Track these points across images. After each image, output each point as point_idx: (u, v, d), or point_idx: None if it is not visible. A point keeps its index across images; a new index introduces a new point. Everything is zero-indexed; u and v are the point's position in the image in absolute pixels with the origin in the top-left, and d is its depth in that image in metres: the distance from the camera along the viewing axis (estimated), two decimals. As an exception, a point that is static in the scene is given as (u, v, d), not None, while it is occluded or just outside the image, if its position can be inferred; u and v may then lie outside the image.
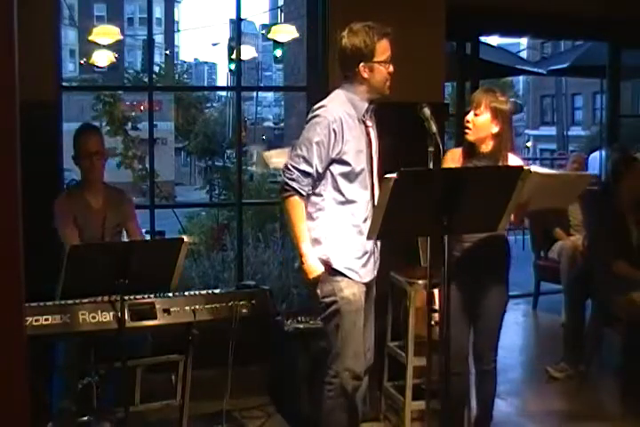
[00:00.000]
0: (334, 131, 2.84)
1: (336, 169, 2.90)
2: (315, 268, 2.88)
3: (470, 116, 3.08)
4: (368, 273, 3.01)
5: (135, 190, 7.52)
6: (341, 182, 2.91)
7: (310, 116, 2.93)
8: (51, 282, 2.99)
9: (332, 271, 2.92)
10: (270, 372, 4.15)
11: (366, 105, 2.95)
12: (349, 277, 2.93)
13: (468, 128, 3.08)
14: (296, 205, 2.88)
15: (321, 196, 2.92)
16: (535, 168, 2.78)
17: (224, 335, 3.22)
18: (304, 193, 2.88)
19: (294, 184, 2.85)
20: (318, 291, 2.94)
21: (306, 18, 4.61)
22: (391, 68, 2.93)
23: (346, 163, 2.89)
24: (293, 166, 2.86)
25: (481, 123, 3.05)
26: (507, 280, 3.24)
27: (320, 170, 2.87)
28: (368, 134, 2.98)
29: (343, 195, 2.92)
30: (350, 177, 2.91)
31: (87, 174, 3.61)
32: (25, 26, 1.72)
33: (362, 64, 2.88)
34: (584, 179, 3.32)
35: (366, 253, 2.98)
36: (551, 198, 3.10)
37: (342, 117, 2.87)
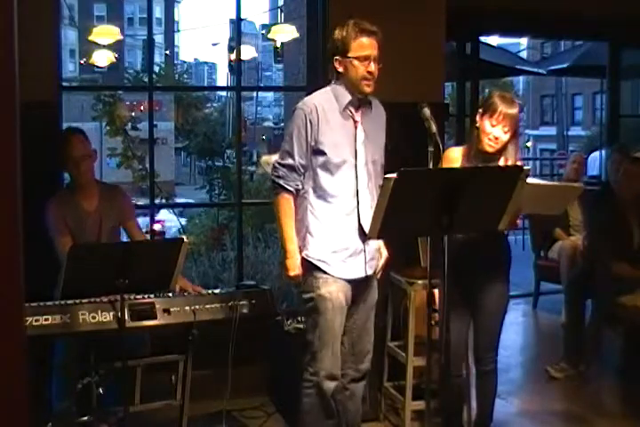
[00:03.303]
0: (310, 121, 2.89)
1: (316, 160, 2.93)
2: (296, 266, 2.92)
3: (499, 133, 3.02)
4: (352, 270, 2.97)
5: (135, 190, 7.51)
6: (322, 175, 2.93)
7: (292, 110, 3.00)
8: (51, 282, 2.99)
9: (310, 266, 2.93)
10: (270, 372, 4.15)
11: (349, 97, 2.95)
12: (327, 273, 2.93)
13: (495, 143, 3.04)
14: (283, 202, 2.94)
15: (303, 188, 2.96)
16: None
17: (224, 335, 3.22)
18: (291, 189, 2.93)
19: (280, 181, 2.93)
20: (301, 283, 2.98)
21: (306, 18, 4.61)
22: (372, 68, 2.90)
23: (322, 153, 2.91)
24: (279, 163, 2.94)
25: (507, 138, 3.05)
26: (508, 280, 3.24)
27: (303, 162, 2.92)
28: (355, 128, 2.97)
29: (323, 188, 2.93)
30: (330, 169, 2.92)
31: (76, 179, 3.52)
32: (25, 26, 1.72)
33: (336, 57, 2.93)
34: (575, 190, 3.34)
35: (347, 248, 2.95)
36: (542, 205, 3.12)
37: (318, 108, 2.91)
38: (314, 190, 2.94)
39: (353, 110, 2.98)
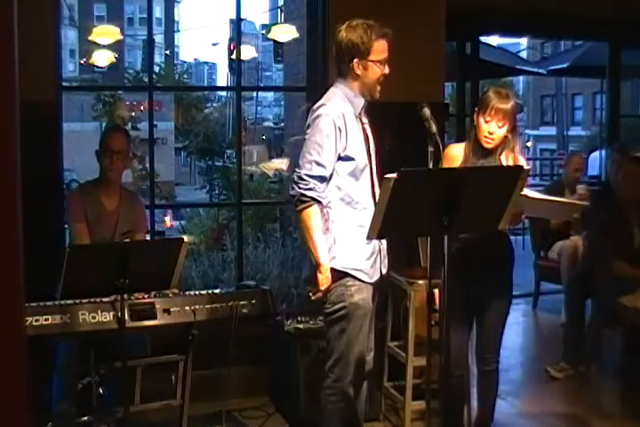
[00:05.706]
0: (339, 128, 2.82)
1: (342, 167, 2.86)
2: (328, 280, 2.83)
3: (493, 128, 3.04)
4: (376, 273, 2.97)
5: (135, 190, 7.52)
6: (348, 181, 2.88)
7: (313, 117, 2.88)
8: (51, 282, 2.98)
9: (341, 274, 2.87)
10: (270, 372, 4.15)
11: (362, 101, 2.94)
12: (359, 279, 2.89)
13: (490, 139, 3.06)
14: (315, 214, 2.81)
15: (326, 197, 2.87)
16: (526, 191, 2.81)
17: (224, 335, 3.22)
18: (322, 200, 2.83)
19: (312, 193, 2.80)
20: (327, 295, 2.88)
21: (306, 18, 4.61)
22: (386, 70, 2.91)
23: (351, 159, 2.86)
24: (307, 175, 2.80)
25: (503, 133, 3.06)
26: (510, 279, 3.24)
27: (332, 171, 2.84)
28: (364, 131, 2.97)
29: (350, 195, 2.88)
30: (356, 174, 2.88)
31: (105, 172, 3.59)
32: (25, 26, 1.71)
33: (356, 60, 2.86)
34: (575, 207, 3.34)
35: (374, 253, 2.95)
36: (545, 214, 3.14)
37: (344, 113, 2.85)
38: (340, 199, 2.87)
39: (362, 113, 2.97)
